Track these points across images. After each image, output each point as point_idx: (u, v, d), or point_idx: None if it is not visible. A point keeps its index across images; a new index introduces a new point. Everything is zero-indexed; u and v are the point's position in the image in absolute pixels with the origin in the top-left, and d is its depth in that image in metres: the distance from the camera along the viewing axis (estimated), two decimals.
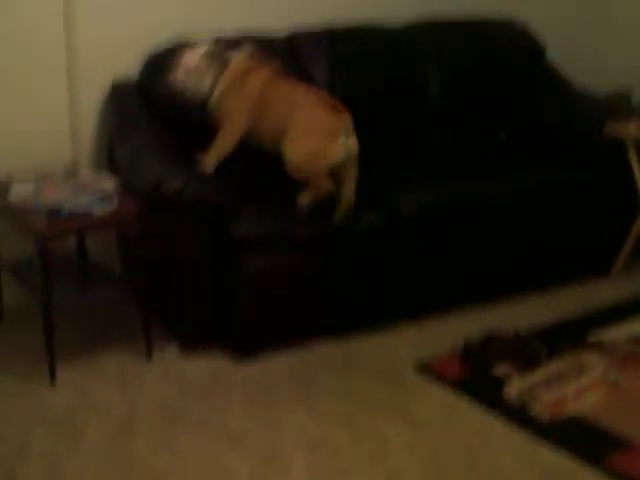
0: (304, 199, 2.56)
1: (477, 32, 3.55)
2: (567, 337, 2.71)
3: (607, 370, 2.48)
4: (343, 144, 2.55)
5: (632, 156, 3.03)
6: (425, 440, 2.14)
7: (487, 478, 2.00)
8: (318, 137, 2.58)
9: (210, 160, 2.59)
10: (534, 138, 3.45)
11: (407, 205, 2.77)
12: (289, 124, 2.57)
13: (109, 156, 2.93)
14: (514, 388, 2.36)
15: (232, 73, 2.63)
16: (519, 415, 2.24)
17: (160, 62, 2.82)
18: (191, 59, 2.62)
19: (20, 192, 2.50)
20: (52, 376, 2.41)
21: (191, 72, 2.61)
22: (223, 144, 2.62)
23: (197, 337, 2.64)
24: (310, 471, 1.99)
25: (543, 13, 3.76)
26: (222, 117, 2.63)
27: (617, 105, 3.26)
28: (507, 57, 3.57)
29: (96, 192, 2.49)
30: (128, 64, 2.92)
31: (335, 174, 2.60)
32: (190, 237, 2.52)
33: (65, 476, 1.96)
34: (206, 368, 2.52)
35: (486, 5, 3.59)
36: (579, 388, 2.37)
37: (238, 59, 2.66)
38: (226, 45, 2.72)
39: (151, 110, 2.83)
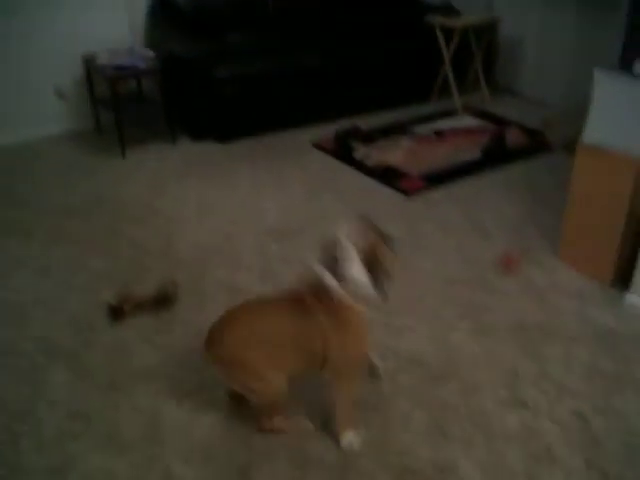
0: None
1: None
2: (396, 129, 4.91)
3: (410, 144, 4.67)
4: None
5: (439, 33, 5.18)
6: (309, 177, 4.31)
7: (342, 194, 4.14)
8: None
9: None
10: (395, 26, 5.52)
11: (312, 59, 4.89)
12: None
13: (150, 38, 5.05)
14: (359, 152, 4.55)
15: None
16: (359, 165, 4.40)
17: None
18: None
19: (102, 57, 4.60)
20: (123, 154, 4.60)
21: None
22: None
23: (199, 131, 4.82)
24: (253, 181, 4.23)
25: None
26: None
27: (442, 8, 5.41)
28: None
29: (143, 57, 4.63)
30: None
31: None
32: (190, 75, 4.61)
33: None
34: (204, 148, 4.71)
35: None
36: (394, 152, 4.57)
37: None
38: None
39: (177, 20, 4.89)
